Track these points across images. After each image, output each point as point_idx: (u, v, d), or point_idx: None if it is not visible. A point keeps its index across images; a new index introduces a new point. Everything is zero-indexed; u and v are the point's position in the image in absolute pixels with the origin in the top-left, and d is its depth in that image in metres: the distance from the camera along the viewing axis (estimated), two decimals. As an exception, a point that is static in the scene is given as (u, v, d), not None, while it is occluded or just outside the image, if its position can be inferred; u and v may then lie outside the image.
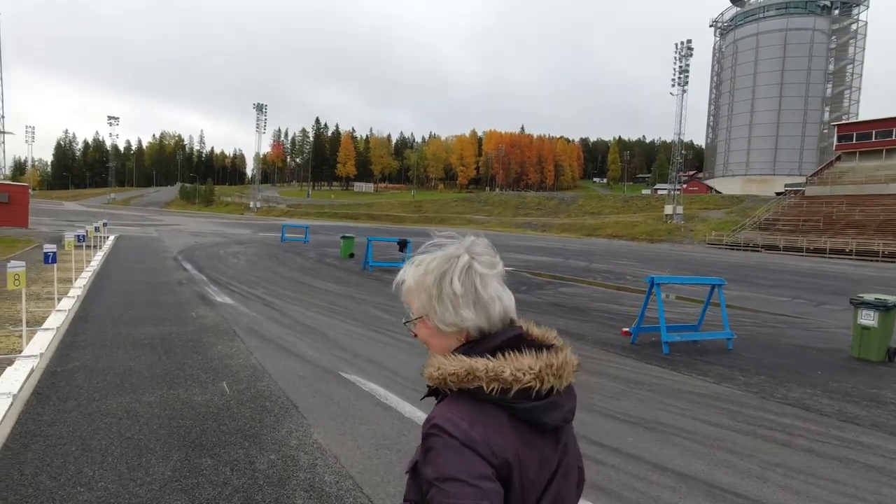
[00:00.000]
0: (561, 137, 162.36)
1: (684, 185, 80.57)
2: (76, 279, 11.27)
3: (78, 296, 9.50)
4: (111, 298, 9.68)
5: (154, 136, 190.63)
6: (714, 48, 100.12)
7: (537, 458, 0.96)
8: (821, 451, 4.40)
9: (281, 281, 14.05)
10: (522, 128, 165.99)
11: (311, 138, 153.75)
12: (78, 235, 13.04)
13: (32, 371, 5.21)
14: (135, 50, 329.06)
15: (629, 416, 5.03)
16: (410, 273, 1.05)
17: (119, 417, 4.30)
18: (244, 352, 6.53)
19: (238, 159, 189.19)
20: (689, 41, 66.32)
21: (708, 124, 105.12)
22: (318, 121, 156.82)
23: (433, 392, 1.04)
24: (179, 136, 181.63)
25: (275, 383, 5.41)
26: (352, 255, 23.31)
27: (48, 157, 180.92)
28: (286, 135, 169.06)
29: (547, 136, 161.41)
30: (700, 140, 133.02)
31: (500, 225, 75.88)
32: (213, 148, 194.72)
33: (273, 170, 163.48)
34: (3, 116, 39.82)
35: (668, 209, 67.54)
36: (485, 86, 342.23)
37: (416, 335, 1.09)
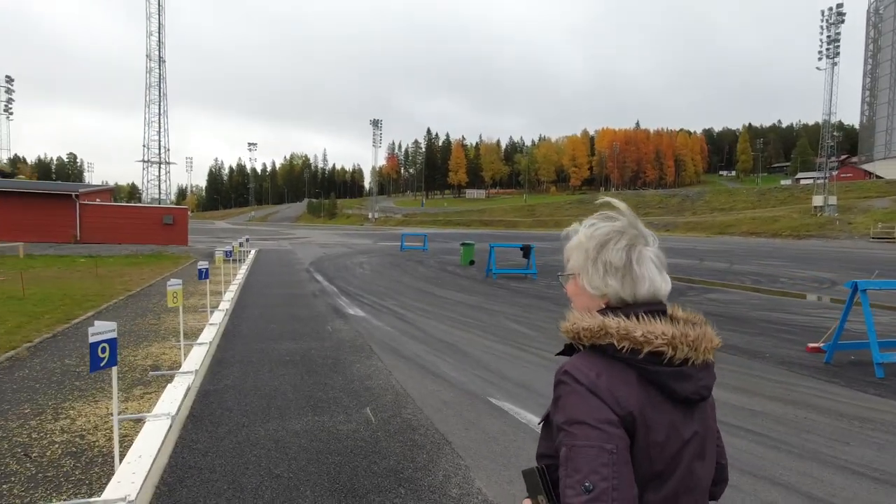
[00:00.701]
0: (681, 130, 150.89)
1: (835, 173, 70.11)
2: (225, 292, 11.98)
3: (227, 309, 9.98)
4: (254, 312, 10.03)
5: (285, 157, 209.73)
6: (868, 11, 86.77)
7: (666, 423, 0.97)
8: None
9: (407, 291, 13.94)
10: (637, 123, 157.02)
11: (423, 149, 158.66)
12: (226, 252, 13.99)
13: (188, 390, 5.22)
14: (265, 81, 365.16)
15: (878, 471, 3.78)
16: (581, 232, 1.11)
17: (268, 449, 4.01)
18: (383, 371, 6.17)
19: (356, 173, 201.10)
20: (839, 5, 57.96)
21: (863, 100, 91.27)
22: (429, 131, 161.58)
23: (569, 350, 1.08)
24: (306, 156, 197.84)
25: (420, 411, 4.92)
26: (472, 263, 22.99)
27: (203, 183, 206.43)
28: (399, 147, 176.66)
29: (665, 129, 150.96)
30: (850, 119, 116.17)
31: (620, 226, 71.45)
32: (334, 164, 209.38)
33: (388, 181, 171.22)
34: (167, 150, 45.76)
35: (818, 200, 59.30)
36: (594, 83, 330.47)
37: (566, 290, 1.16)
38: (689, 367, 0.99)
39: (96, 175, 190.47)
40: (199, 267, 8.73)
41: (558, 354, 1.11)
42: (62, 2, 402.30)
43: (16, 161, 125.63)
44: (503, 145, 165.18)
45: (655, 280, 1.05)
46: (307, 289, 13.83)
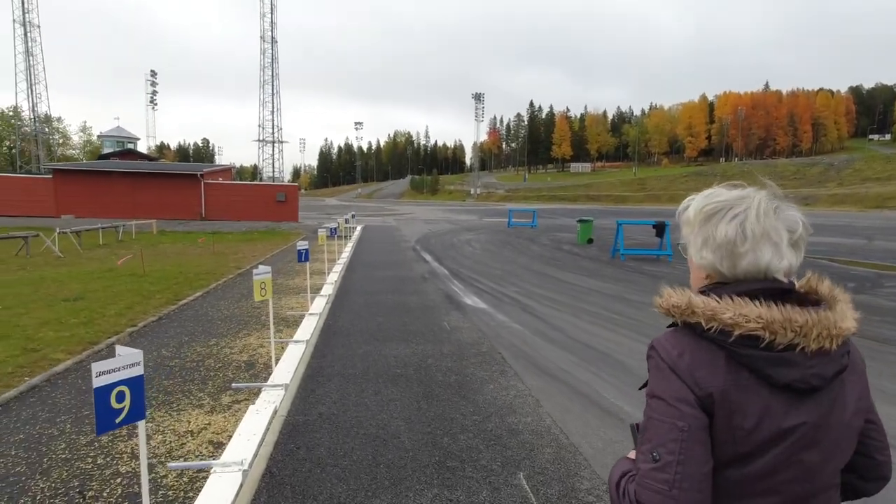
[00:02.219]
0: (820, 90, 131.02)
1: None
2: (329, 272, 11.01)
3: (329, 295, 8.86)
4: (358, 300, 8.80)
5: (388, 135, 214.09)
6: None
7: (758, 409, 0.93)
8: None
9: (525, 274, 12.14)
10: (767, 84, 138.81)
11: (525, 122, 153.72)
12: (331, 229, 13.12)
13: (272, 420, 3.92)
14: (368, 63, 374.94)
15: None
16: (696, 201, 1.06)
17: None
18: (528, 400, 4.47)
19: (458, 150, 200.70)
20: None
21: None
22: (531, 104, 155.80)
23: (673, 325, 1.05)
24: (408, 133, 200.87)
25: (596, 476, 3.17)
26: (590, 241, 20.72)
27: (314, 163, 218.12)
28: (501, 121, 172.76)
29: (801, 89, 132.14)
30: None
31: (751, 200, 63.57)
32: (435, 141, 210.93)
33: (490, 156, 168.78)
34: (280, 129, 47.50)
35: None
36: (711, 44, 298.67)
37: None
38: (796, 354, 0.92)
39: (225, 157, 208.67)
40: (299, 248, 7.60)
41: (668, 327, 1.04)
42: (187, 3, 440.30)
43: (162, 147, 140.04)
44: (610, 116, 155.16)
45: (763, 256, 0.96)
46: (415, 270, 12.53)
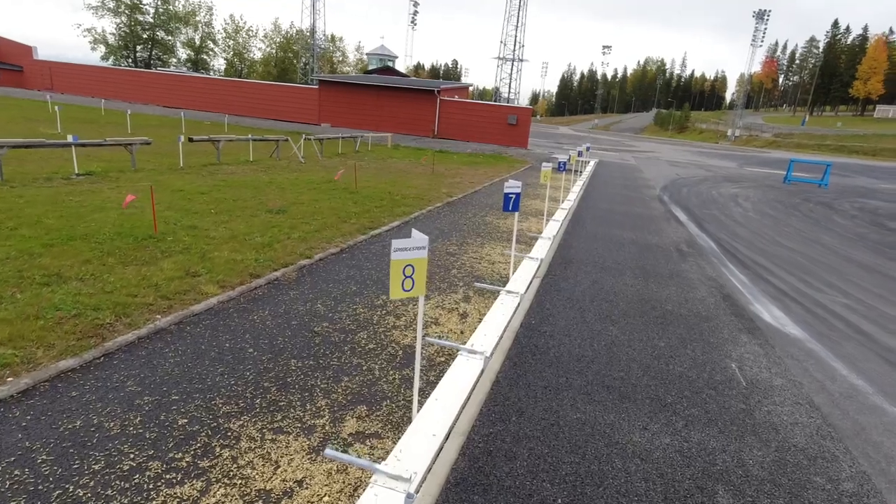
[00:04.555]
0: None
1: None
2: (547, 222, 8.51)
3: (532, 271, 6.36)
4: (578, 287, 6.12)
5: (638, 62, 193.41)
6: None
7: None
8: None
9: (848, 269, 7.82)
10: None
11: (821, 50, 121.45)
12: (560, 163, 10.46)
13: None
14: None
15: None
16: None
17: None
18: None
19: (718, 82, 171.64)
20: None
21: None
22: (835, 24, 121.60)
23: None
24: (662, 60, 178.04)
25: None
26: (937, 221, 14.02)
27: (554, 89, 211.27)
28: (783, 49, 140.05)
29: None
30: None
31: None
32: (693, 71, 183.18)
33: (759, 92, 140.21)
34: (522, 46, 44.77)
35: None
36: None
37: None
38: None
39: (471, 78, 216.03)
40: (507, 191, 5.18)
41: None
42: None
43: (417, 67, 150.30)
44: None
45: None
46: (666, 236, 9.15)
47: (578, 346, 4.04)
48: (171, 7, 63.55)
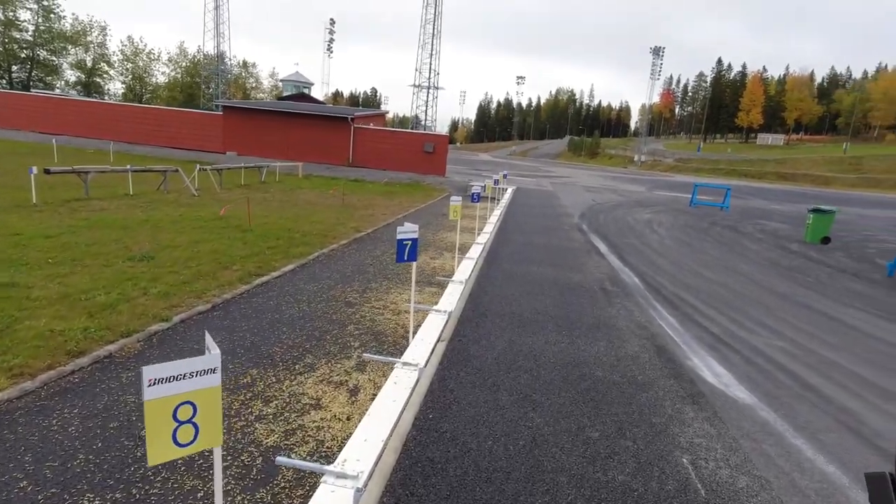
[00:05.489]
0: None
1: None
2: (458, 267, 7.57)
3: (444, 319, 5.35)
4: (500, 343, 5.17)
5: (550, 92, 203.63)
6: None
7: None
8: None
9: (770, 300, 7.45)
10: None
11: (708, 83, 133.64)
12: (473, 194, 9.66)
13: None
14: (531, 16, 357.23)
15: None
16: None
17: None
18: None
19: (623, 112, 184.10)
20: None
21: None
22: (719, 62, 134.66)
23: None
24: (572, 91, 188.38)
25: None
26: (826, 241, 14.76)
27: (473, 117, 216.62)
28: (677, 82, 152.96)
29: None
30: None
31: None
32: (599, 101, 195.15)
33: (659, 121, 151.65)
34: (437, 73, 44.88)
35: None
36: None
37: None
38: None
39: (390, 106, 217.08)
40: (400, 237, 4.15)
41: None
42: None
43: (336, 94, 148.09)
44: (819, 79, 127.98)
45: None
46: (588, 272, 8.46)
47: (489, 453, 2.99)
48: (54, 25, 58.10)
